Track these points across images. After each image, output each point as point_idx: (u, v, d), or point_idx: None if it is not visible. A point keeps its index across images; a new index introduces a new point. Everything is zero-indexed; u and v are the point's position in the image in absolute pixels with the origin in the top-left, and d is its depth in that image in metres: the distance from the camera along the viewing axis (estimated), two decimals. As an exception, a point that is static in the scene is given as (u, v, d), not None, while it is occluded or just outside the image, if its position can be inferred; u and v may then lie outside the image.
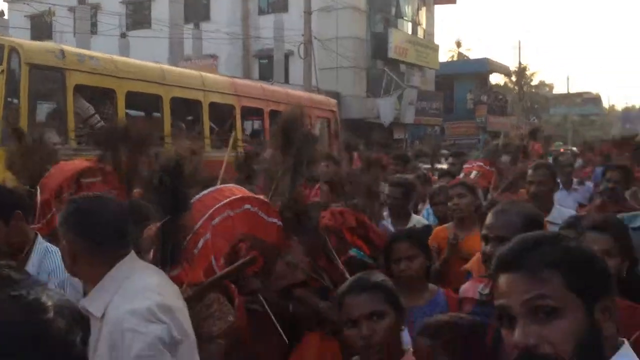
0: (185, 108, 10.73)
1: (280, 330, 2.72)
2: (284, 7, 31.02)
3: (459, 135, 35.08)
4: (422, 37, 36.36)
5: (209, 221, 2.33)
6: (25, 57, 7.97)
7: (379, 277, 2.34)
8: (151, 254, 2.32)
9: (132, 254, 2.23)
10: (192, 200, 2.38)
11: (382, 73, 31.17)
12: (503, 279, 1.36)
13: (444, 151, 19.83)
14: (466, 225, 4.58)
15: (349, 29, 29.98)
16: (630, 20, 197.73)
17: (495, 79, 50.13)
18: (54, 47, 8.87)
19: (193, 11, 30.08)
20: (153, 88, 9.72)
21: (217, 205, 2.37)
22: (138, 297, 2.10)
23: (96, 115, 8.74)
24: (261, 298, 2.73)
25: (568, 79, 66.18)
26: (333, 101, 15.60)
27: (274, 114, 11.41)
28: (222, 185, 2.61)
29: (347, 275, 2.92)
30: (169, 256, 2.24)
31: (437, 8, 40.17)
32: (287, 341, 2.76)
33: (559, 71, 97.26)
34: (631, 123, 74.90)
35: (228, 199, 2.42)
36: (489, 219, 2.65)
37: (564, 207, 4.77)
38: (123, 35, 28.22)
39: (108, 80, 9.01)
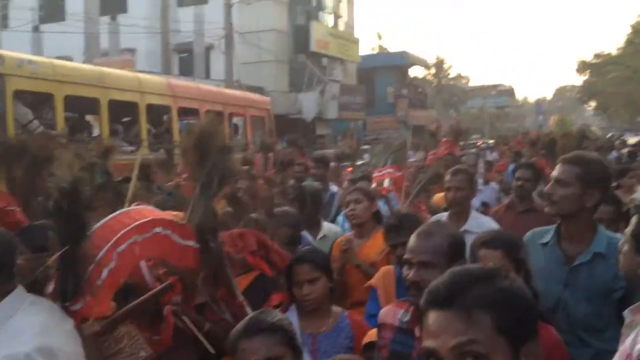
0: (123, 110, 10.68)
1: (208, 346, 2.56)
2: (203, -1, 30.38)
3: (380, 130, 35.42)
4: (343, 29, 36.44)
5: (114, 248, 2.12)
6: None
7: (274, 316, 2.20)
8: (50, 287, 2.10)
9: (19, 289, 2.02)
10: (96, 225, 2.18)
11: (304, 67, 31.03)
12: (433, 317, 1.29)
13: (366, 146, 19.92)
14: (364, 232, 4.46)
15: (270, 22, 29.64)
16: (539, 17, 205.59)
17: (414, 72, 51.00)
18: None
19: (109, 3, 29.03)
20: (91, 91, 9.71)
21: (123, 231, 2.16)
22: (17, 340, 1.90)
23: (35, 121, 8.60)
24: (185, 318, 2.57)
25: (483, 71, 67.76)
26: (267, 99, 15.79)
27: (209, 113, 11.13)
28: (131, 208, 2.39)
29: (248, 308, 2.77)
30: (69, 289, 2.03)
31: (357, 0, 40.45)
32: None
33: (475, 64, 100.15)
34: (543, 114, 77.97)
35: (136, 223, 2.21)
36: (411, 241, 2.52)
37: (481, 215, 4.72)
38: (35, 29, 26.92)
39: (46, 85, 8.97)
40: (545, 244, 3.03)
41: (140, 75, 12.16)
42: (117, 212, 2.31)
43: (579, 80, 60.94)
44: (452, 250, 2.47)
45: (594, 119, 74.54)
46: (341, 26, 36.48)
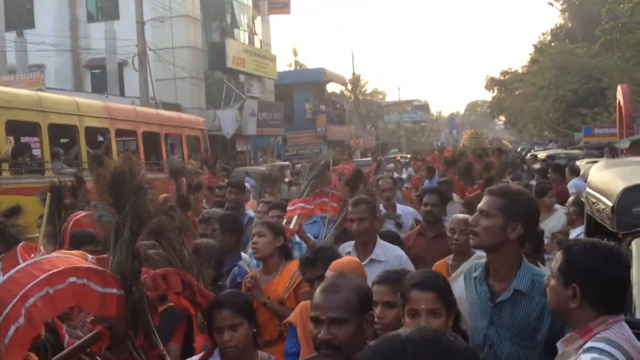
0: (62, 133, 11.13)
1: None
2: (114, 15, 29.58)
3: (300, 145, 35.55)
4: (259, 46, 36.44)
5: (22, 303, 1.91)
6: None
7: None
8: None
9: None
10: (2, 279, 1.97)
11: (221, 84, 30.76)
12: None
13: (286, 162, 19.84)
14: (271, 268, 4.24)
15: (184, 39, 29.24)
16: (452, 35, 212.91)
17: (332, 88, 51.58)
18: None
19: (15, 18, 27.84)
20: (31, 115, 9.99)
21: (31, 283, 1.96)
22: None
23: None
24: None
25: (399, 87, 69.42)
26: (201, 120, 16.84)
27: (146, 134, 12.59)
28: (42, 257, 2.18)
29: (168, 358, 2.60)
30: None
31: (272, 18, 40.54)
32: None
33: (391, 80, 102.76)
34: (457, 128, 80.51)
35: (46, 274, 2.01)
36: (317, 298, 2.37)
37: (387, 243, 4.54)
38: None
39: None
40: (476, 277, 2.97)
41: (78, 99, 12.46)
42: (26, 262, 2.11)
43: (489, 95, 63.33)
44: (362, 303, 2.37)
45: (505, 132, 77.68)
46: (257, 43, 36.47)
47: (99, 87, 28.12)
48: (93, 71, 30.17)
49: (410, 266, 4.19)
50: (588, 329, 2.30)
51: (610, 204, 3.37)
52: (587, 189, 4.18)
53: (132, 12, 23.88)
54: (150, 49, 23.48)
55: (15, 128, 10.27)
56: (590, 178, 4.33)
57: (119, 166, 2.29)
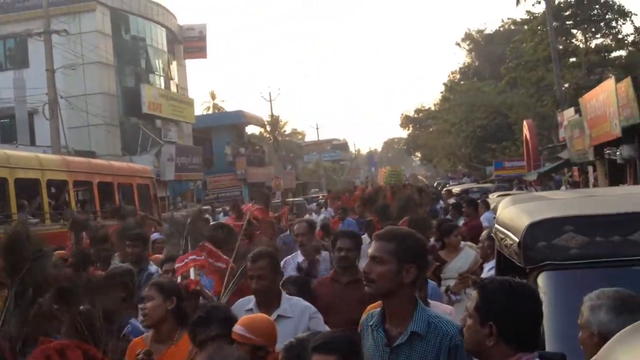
0: (26, 186, 11.75)
1: None
2: (24, 63, 28.78)
3: (221, 189, 35.25)
4: (175, 91, 36.19)
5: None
6: None
7: None
8: None
9: None
10: None
11: (137, 129, 30.25)
12: None
13: (206, 207, 19.58)
14: (164, 336, 3.80)
15: (97, 85, 28.74)
16: (367, 75, 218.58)
17: (251, 129, 51.65)
18: None
19: None
20: (1, 171, 10.85)
21: None
22: None
23: None
24: None
25: (317, 127, 70.24)
26: (148, 169, 17.71)
27: (101, 184, 13.64)
28: None
29: None
30: None
31: (188, 62, 40.46)
32: None
33: (309, 119, 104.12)
34: (375, 166, 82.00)
35: None
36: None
37: (292, 297, 4.22)
38: None
39: None
40: (372, 325, 2.90)
41: (40, 155, 14.01)
42: None
43: (404, 133, 65.06)
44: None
45: (421, 168, 79.72)
46: (173, 88, 36.22)
47: (9, 136, 27.07)
48: (2, 121, 29.04)
49: (318, 319, 4.01)
50: None
51: (517, 240, 3.47)
52: (496, 225, 4.30)
53: (42, 59, 23.29)
54: (61, 97, 22.87)
55: None
56: (498, 214, 4.47)
57: (15, 230, 2.17)
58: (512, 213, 3.97)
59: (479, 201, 11.33)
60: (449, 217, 11.71)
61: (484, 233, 6.51)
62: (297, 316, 3.98)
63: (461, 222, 10.02)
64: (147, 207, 14.81)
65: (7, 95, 26.41)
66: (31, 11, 27.27)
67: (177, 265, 4.48)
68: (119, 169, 15.83)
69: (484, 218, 10.02)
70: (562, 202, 4.02)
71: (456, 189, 19.39)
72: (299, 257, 6.40)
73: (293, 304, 4.06)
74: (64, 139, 21.90)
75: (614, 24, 35.33)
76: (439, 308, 3.88)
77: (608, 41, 35.96)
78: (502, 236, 4.03)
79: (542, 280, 3.16)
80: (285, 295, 4.13)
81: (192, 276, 4.36)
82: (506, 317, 2.35)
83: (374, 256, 2.76)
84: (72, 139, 23.40)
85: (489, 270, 5.60)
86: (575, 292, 2.73)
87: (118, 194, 14.48)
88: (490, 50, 51.01)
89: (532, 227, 3.31)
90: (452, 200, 14.07)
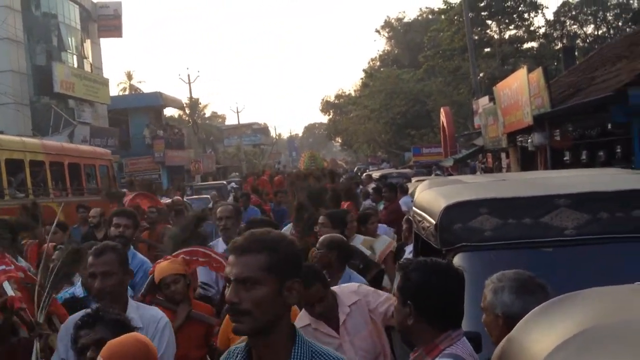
0: (15, 167, 13.30)
1: None
2: None
3: (138, 172, 34.38)
4: (89, 70, 34.95)
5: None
6: None
7: None
8: None
9: None
10: None
11: (48, 109, 29.04)
12: None
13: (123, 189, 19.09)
14: None
15: (6, 63, 27.37)
16: (289, 59, 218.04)
17: (170, 112, 50.62)
18: None
19: None
20: None
21: None
22: None
23: None
24: None
25: (238, 110, 69.50)
26: (108, 152, 19.39)
27: (70, 165, 15.44)
28: None
29: None
30: None
31: (103, 41, 39.15)
32: None
33: (229, 103, 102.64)
34: (296, 150, 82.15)
35: None
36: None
37: (142, 304, 3.68)
38: None
39: None
40: None
41: (24, 138, 15.95)
42: None
43: (325, 118, 65.46)
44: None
45: (341, 153, 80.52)
46: (87, 67, 34.96)
47: None
48: None
49: (165, 334, 3.38)
50: (434, 346, 2.42)
51: (434, 222, 3.55)
52: (414, 208, 4.37)
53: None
54: (-34, 73, 21.69)
55: None
56: (416, 197, 4.56)
57: None
58: (429, 196, 4.05)
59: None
60: (369, 201, 11.93)
61: (405, 217, 6.66)
62: (147, 327, 3.34)
63: (381, 206, 10.23)
64: (107, 186, 16.17)
65: None
66: None
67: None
68: (84, 152, 17.74)
69: (402, 202, 10.27)
70: (477, 186, 4.13)
71: (376, 174, 19.70)
72: (221, 244, 5.68)
73: (144, 314, 3.43)
74: (-31, 118, 20.81)
75: (526, 16, 36.72)
76: (344, 289, 3.86)
77: (521, 33, 37.34)
78: (420, 219, 4.11)
79: (457, 261, 3.23)
80: (132, 302, 3.52)
81: (9, 292, 3.44)
82: (422, 295, 2.42)
83: (241, 278, 1.89)
84: (-22, 118, 22.24)
85: (409, 253, 5.73)
86: (490, 273, 2.79)
87: (84, 174, 16.20)
88: (409, 39, 51.92)
89: (448, 209, 3.39)
90: (372, 185, 14.28)
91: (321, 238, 4.66)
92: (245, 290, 1.89)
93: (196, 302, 4.42)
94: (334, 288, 3.76)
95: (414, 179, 14.83)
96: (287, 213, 10.61)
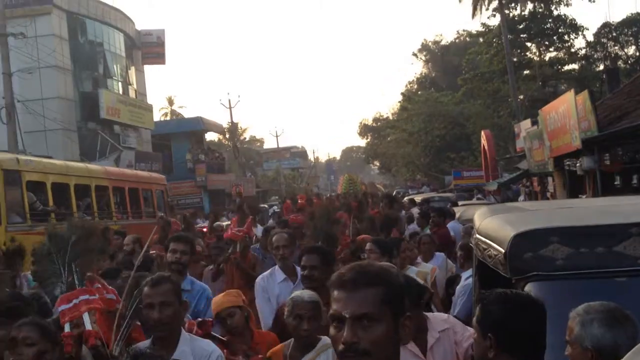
0: (82, 191, 14.10)
1: None
2: (-23, 66, 28.06)
3: (180, 196, 34.86)
4: (134, 97, 35.76)
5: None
6: (0, 165, 11.11)
7: None
8: None
9: None
10: None
11: (95, 135, 29.78)
12: None
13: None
14: None
15: (54, 90, 28.22)
16: (326, 82, 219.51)
17: (210, 136, 51.26)
18: (13, 156, 12.83)
19: None
20: (64, 178, 13.31)
21: None
22: None
23: (37, 202, 11.77)
24: None
25: (277, 134, 70.04)
26: (163, 177, 20.48)
27: (130, 190, 16.32)
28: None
29: None
30: None
31: (147, 68, 40.03)
32: None
33: (268, 127, 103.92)
34: (334, 174, 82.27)
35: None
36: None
37: (196, 337, 3.57)
38: None
39: (42, 176, 12.49)
40: None
41: (89, 165, 17.03)
42: None
43: (363, 141, 65.52)
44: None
45: (379, 177, 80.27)
46: (132, 93, 35.78)
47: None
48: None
49: None
50: None
51: (502, 250, 3.54)
52: (477, 236, 4.36)
53: (-2, 63, 22.75)
54: (18, 101, 22.39)
55: (56, 188, 13.07)
56: (478, 224, 4.55)
57: None
58: (494, 224, 4.06)
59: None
60: (414, 226, 11.85)
61: (460, 243, 6.65)
62: None
63: (427, 231, 10.13)
64: (162, 210, 17.28)
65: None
66: (-16, 13, 26.57)
67: (62, 307, 3.24)
68: (142, 177, 18.79)
69: (450, 227, 10.16)
70: (544, 213, 4.14)
71: (417, 198, 19.64)
72: (278, 273, 5.48)
73: (195, 347, 3.36)
74: (21, 144, 21.44)
75: (566, 37, 36.40)
76: (436, 316, 3.92)
77: (561, 54, 37.00)
78: (485, 246, 4.12)
79: (528, 290, 3.26)
80: (185, 334, 3.44)
81: (87, 325, 3.26)
82: (504, 328, 2.43)
83: (359, 315, 1.75)
84: (28, 144, 22.90)
85: (466, 279, 5.71)
86: (561, 302, 2.80)
87: (142, 198, 17.02)
88: (446, 61, 51.86)
89: (518, 238, 3.39)
90: (416, 209, 14.23)
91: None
92: (363, 329, 1.74)
93: (260, 333, 4.43)
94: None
95: (460, 203, 14.74)
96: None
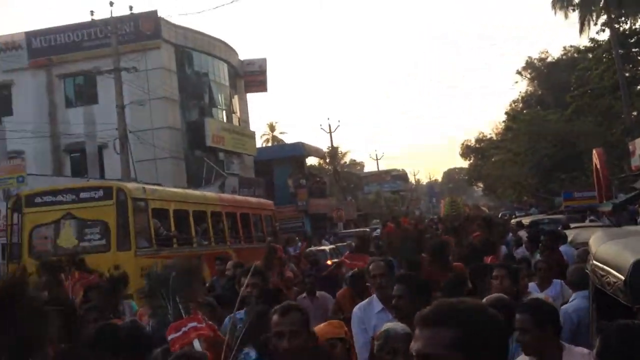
0: (200, 217, 14.57)
1: None
2: (93, 99, 29.91)
3: (283, 220, 35.38)
4: (237, 124, 36.84)
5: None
6: (129, 194, 11.67)
7: None
8: None
9: None
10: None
11: (201, 162, 30.87)
12: None
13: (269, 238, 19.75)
14: None
15: (163, 120, 29.55)
16: (425, 104, 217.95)
17: (311, 160, 51.94)
18: (140, 185, 13.58)
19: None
20: (183, 205, 13.95)
21: None
22: None
23: (161, 227, 12.35)
24: None
25: (377, 157, 70.10)
26: (271, 202, 20.89)
27: (242, 215, 16.69)
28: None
29: None
30: None
31: (250, 96, 41.19)
32: None
33: (368, 150, 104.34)
34: (436, 196, 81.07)
35: None
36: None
37: None
38: None
39: (165, 204, 13.10)
40: None
41: (206, 193, 18.12)
42: None
43: (465, 163, 64.24)
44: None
45: (483, 198, 78.35)
46: (235, 121, 36.88)
47: (79, 170, 28.03)
48: (72, 155, 30.13)
49: None
50: None
51: (622, 278, 3.31)
52: (593, 261, 4.11)
53: (110, 95, 24.12)
54: (130, 132, 23.58)
55: (176, 215, 13.58)
56: (595, 250, 4.26)
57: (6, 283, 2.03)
58: (612, 249, 3.79)
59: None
60: (522, 249, 11.32)
61: (571, 268, 6.23)
62: None
63: (537, 256, 9.61)
64: (271, 234, 17.88)
65: (77, 131, 27.41)
66: (99, 49, 28.33)
67: (172, 335, 3.46)
68: (253, 203, 19.45)
69: (562, 251, 9.55)
70: (667, 238, 3.81)
71: (525, 221, 18.83)
72: (376, 303, 5.23)
73: None
74: (133, 172, 22.51)
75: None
76: (577, 350, 3.62)
77: (677, 68, 34.88)
78: (603, 273, 3.83)
79: (651, 319, 2.99)
80: None
81: (196, 347, 3.46)
82: None
83: (421, 354, 1.66)
84: (140, 172, 24.01)
85: (572, 300, 5.42)
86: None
87: (252, 223, 17.52)
88: (553, 79, 50.07)
89: (639, 264, 3.18)
90: (523, 233, 13.62)
91: (487, 298, 4.26)
92: None
93: None
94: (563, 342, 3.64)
95: (572, 226, 13.97)
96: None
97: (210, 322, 3.70)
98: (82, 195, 11.96)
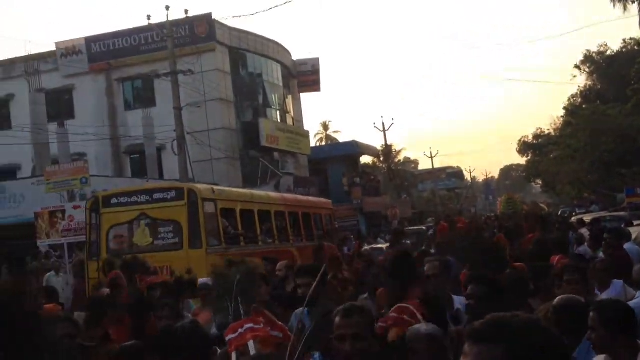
0: (264, 216, 14.91)
1: None
2: (151, 102, 30.59)
3: (338, 219, 35.42)
4: (291, 124, 37.06)
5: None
6: (200, 195, 11.99)
7: None
8: None
9: None
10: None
11: (256, 162, 31.20)
12: None
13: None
14: None
15: (219, 121, 29.98)
16: (480, 100, 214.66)
17: (365, 159, 51.76)
18: (209, 186, 13.95)
19: (56, 110, 28.85)
20: (249, 205, 14.33)
21: None
22: None
23: (229, 226, 12.74)
24: None
25: (432, 155, 69.16)
26: (330, 202, 21.30)
27: (303, 214, 16.97)
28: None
29: None
30: None
31: (303, 95, 41.34)
32: None
33: (423, 147, 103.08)
34: (493, 194, 79.62)
35: None
36: None
37: None
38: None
39: (232, 204, 13.44)
40: None
41: (270, 193, 18.80)
42: None
43: (522, 159, 62.90)
44: None
45: (542, 196, 76.62)
46: (289, 121, 37.12)
47: (138, 171, 28.73)
48: (132, 157, 30.91)
49: None
50: None
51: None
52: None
53: (167, 98, 24.59)
54: (187, 133, 24.01)
55: (244, 214, 14.01)
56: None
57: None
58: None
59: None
60: (585, 248, 11.05)
61: (637, 267, 6.06)
62: None
63: (600, 254, 9.36)
64: (331, 233, 18.26)
65: (136, 133, 28.09)
66: (156, 53, 28.94)
67: (229, 336, 3.48)
68: (313, 202, 20.03)
69: (627, 250, 9.27)
70: None
71: (586, 218, 18.33)
72: None
73: None
74: (190, 173, 22.92)
75: None
76: None
77: None
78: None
79: None
80: None
81: (252, 352, 3.42)
82: None
83: None
84: (197, 172, 24.45)
85: (637, 298, 5.26)
86: None
87: (313, 221, 17.91)
88: (613, 72, 48.55)
89: None
90: (585, 230, 13.29)
91: (559, 298, 4.13)
92: None
93: None
94: None
95: (636, 223, 13.56)
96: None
97: (280, 323, 3.60)
98: (156, 196, 12.36)
